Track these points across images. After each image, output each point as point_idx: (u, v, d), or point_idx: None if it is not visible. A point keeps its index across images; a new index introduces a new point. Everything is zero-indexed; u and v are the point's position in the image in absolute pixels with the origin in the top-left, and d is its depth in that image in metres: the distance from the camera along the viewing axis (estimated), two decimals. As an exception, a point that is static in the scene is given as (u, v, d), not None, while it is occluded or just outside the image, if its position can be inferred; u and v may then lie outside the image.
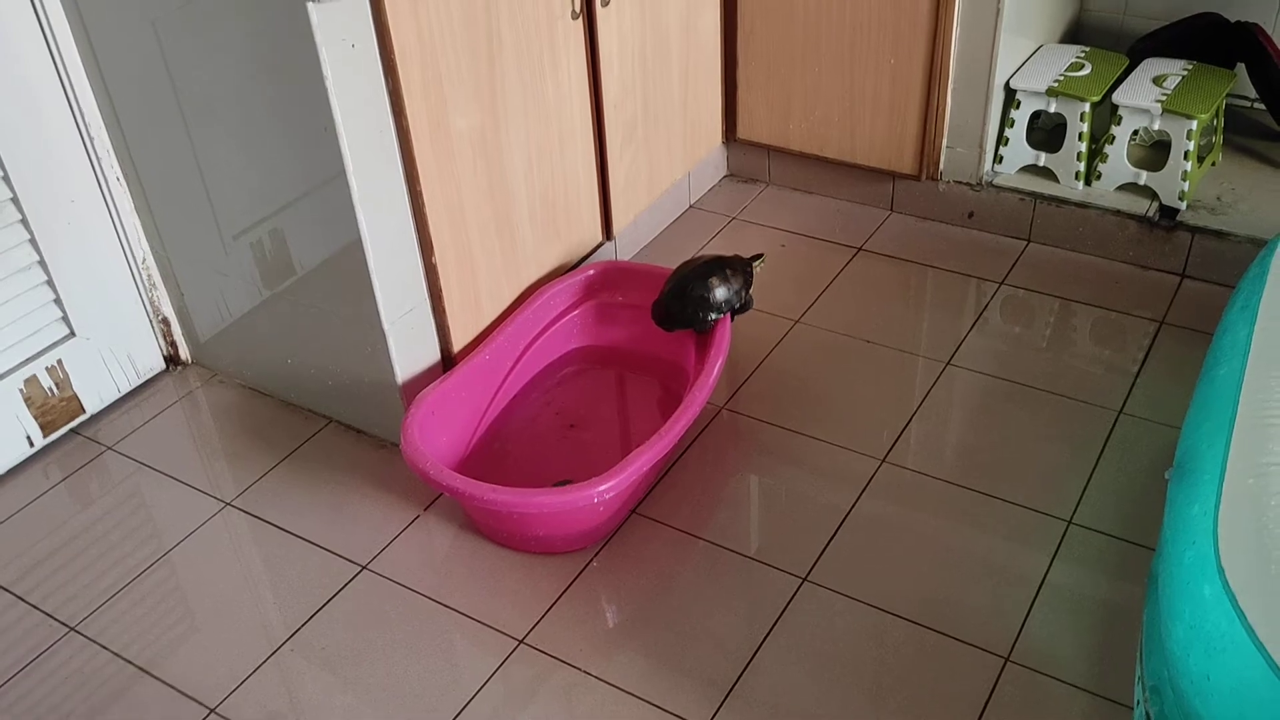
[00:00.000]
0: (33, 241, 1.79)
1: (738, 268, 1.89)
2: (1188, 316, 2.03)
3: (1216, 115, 2.25)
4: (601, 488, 1.56)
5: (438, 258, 1.76)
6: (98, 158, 1.81)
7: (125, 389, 1.98)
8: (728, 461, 1.84)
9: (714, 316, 1.83)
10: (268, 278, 1.84)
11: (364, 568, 1.68)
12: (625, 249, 2.29)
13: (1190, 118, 2.09)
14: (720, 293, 1.83)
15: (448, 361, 1.85)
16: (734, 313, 1.87)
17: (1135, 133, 2.22)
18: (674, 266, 1.93)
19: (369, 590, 1.64)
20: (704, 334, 1.86)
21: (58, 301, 1.85)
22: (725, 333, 1.84)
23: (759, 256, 1.97)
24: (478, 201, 1.82)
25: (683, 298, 1.83)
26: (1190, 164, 2.13)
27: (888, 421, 1.88)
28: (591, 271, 2.02)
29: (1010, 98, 2.27)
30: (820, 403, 1.93)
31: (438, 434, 1.73)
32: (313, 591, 1.64)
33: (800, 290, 2.21)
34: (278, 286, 1.84)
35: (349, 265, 1.69)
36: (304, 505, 1.78)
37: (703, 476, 1.81)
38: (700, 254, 2.04)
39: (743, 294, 1.88)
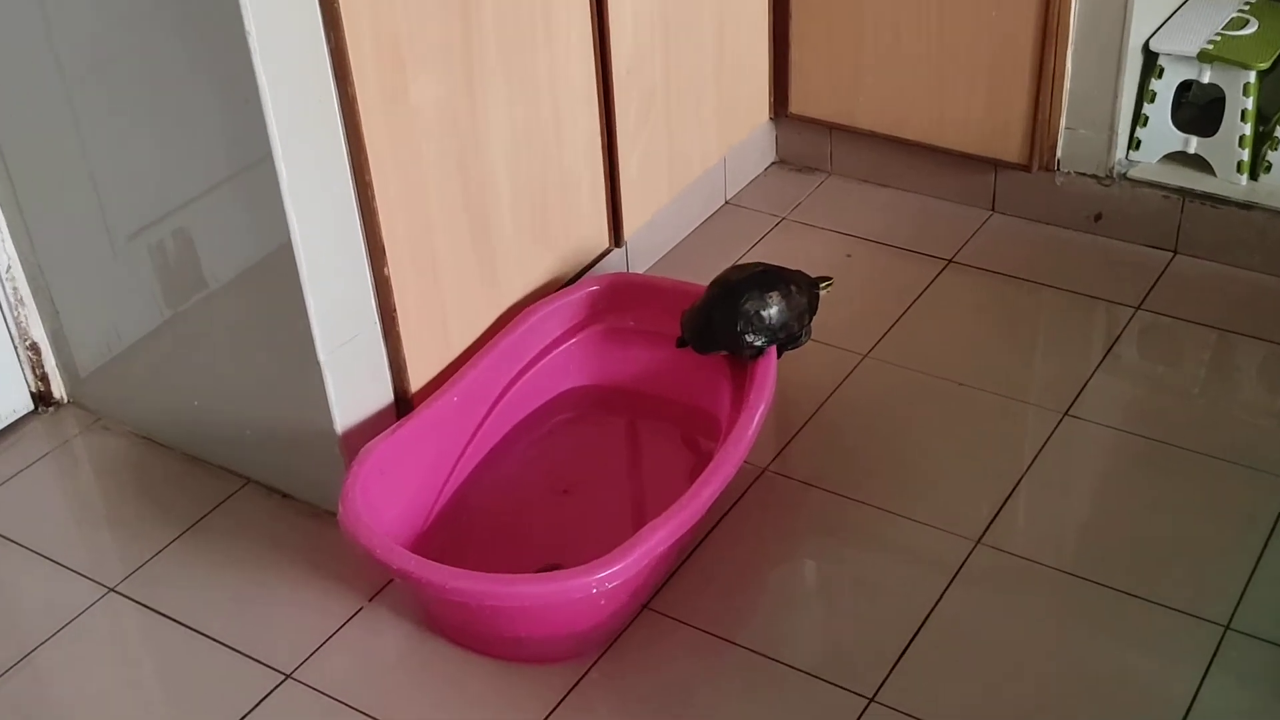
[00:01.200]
0: None
1: (804, 286, 1.90)
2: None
3: None
4: (603, 574, 1.56)
5: (392, 268, 1.77)
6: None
7: (-21, 436, 2.00)
8: (771, 541, 1.83)
9: (762, 342, 1.83)
10: (170, 293, 1.86)
11: (288, 677, 1.67)
12: (639, 258, 2.31)
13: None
14: (777, 312, 1.83)
15: (403, 405, 1.86)
16: (781, 346, 1.88)
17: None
18: (705, 282, 1.93)
19: (294, 708, 1.64)
20: (742, 367, 1.87)
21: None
22: (770, 369, 1.85)
23: (826, 280, 1.97)
24: (445, 195, 1.83)
25: (732, 308, 1.83)
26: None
27: (985, 490, 1.88)
28: (595, 288, 2.03)
29: (1150, 63, 2.28)
30: (895, 464, 1.93)
31: (388, 500, 1.73)
32: (220, 708, 1.64)
33: (870, 314, 2.21)
34: (183, 304, 1.85)
35: (275, 277, 1.69)
36: (211, 593, 1.79)
37: (738, 560, 1.80)
38: (751, 261, 2.03)
39: (803, 322, 1.89)
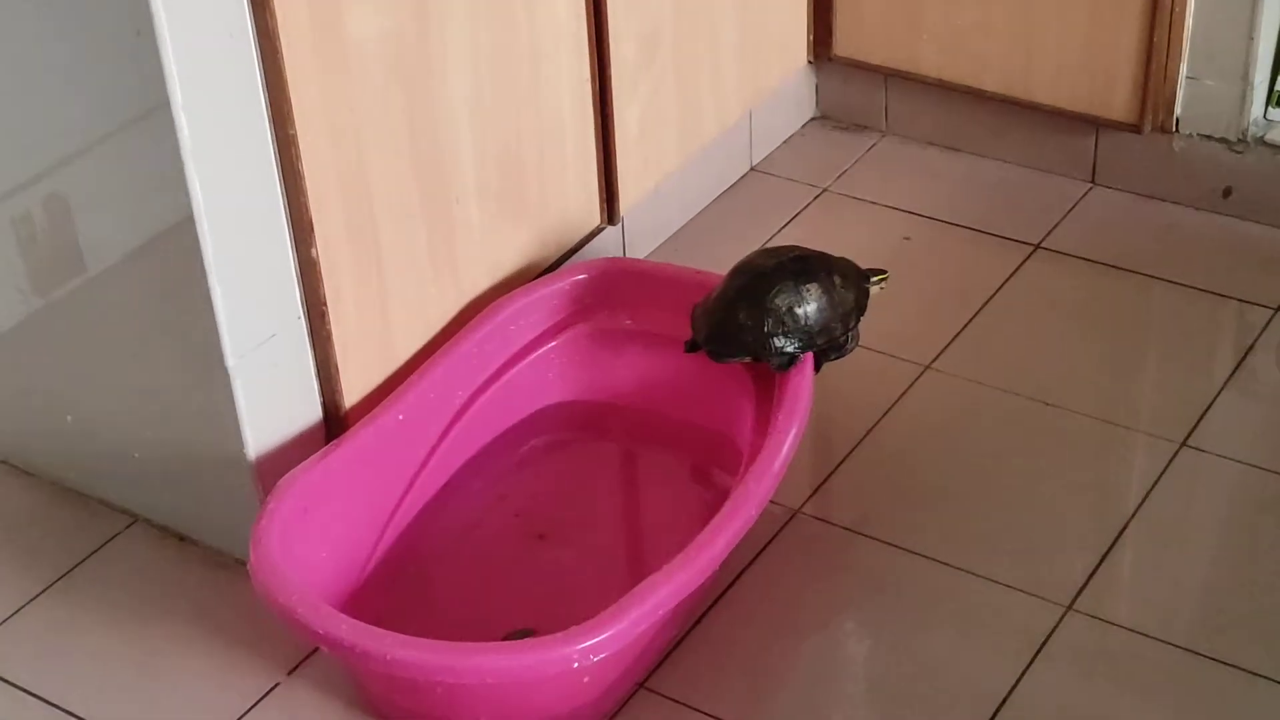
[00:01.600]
0: None
1: (851, 279, 1.90)
2: None
3: None
4: (588, 643, 1.55)
5: (321, 249, 1.76)
6: None
7: None
8: (804, 604, 1.82)
9: (796, 348, 1.82)
10: (38, 278, 1.85)
11: (182, 773, 1.67)
12: (639, 240, 2.30)
13: None
14: (816, 310, 1.83)
15: (334, 424, 1.86)
16: (821, 355, 1.87)
17: None
18: (724, 271, 1.92)
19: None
20: (769, 381, 1.87)
21: None
22: (805, 384, 1.84)
23: (880, 274, 1.96)
24: (390, 157, 1.83)
25: (758, 304, 1.83)
26: None
27: (1078, 542, 1.87)
28: (581, 277, 2.03)
29: (1296, -4, 2.27)
30: (964, 507, 1.92)
31: (314, 546, 1.72)
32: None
33: (934, 314, 2.20)
34: (54, 292, 1.85)
35: (172, 260, 1.68)
36: (85, 663, 1.78)
37: (761, 629, 1.79)
38: (783, 245, 2.03)
39: (849, 324, 1.88)
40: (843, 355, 1.91)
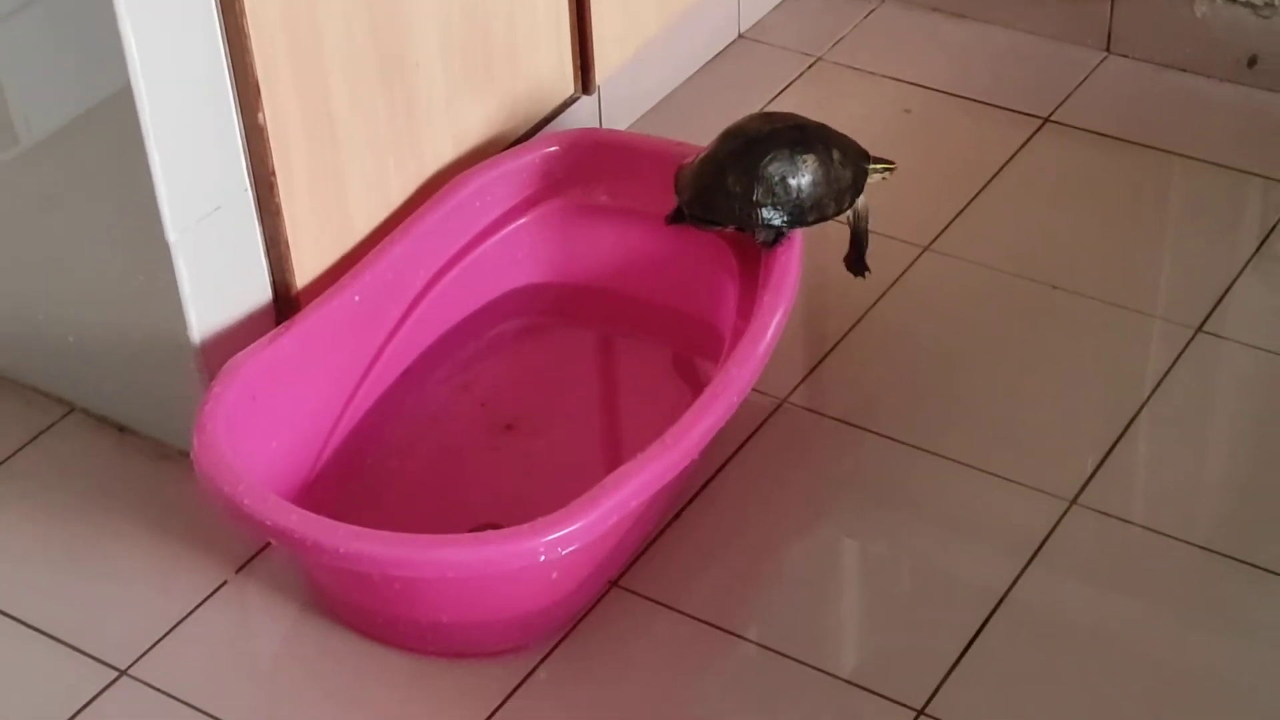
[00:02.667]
0: None
1: (851, 157, 1.89)
2: None
3: None
4: (555, 535, 1.56)
5: (268, 114, 1.75)
6: None
7: None
8: (790, 498, 1.84)
9: (783, 221, 1.82)
10: (-37, 150, 1.84)
11: (122, 673, 1.68)
12: (617, 110, 2.29)
13: None
14: (809, 183, 1.83)
15: (285, 305, 1.86)
16: (854, 244, 1.88)
17: None
18: (705, 142, 1.91)
19: (131, 716, 1.64)
20: (754, 259, 1.87)
21: None
22: (793, 263, 1.84)
23: (884, 163, 1.93)
24: (345, 15, 1.82)
25: (749, 168, 1.82)
26: None
27: (1085, 432, 1.88)
28: (554, 149, 2.02)
29: None
30: (963, 395, 1.93)
31: (263, 435, 1.73)
32: (34, 716, 1.64)
33: (935, 191, 2.21)
34: (-19, 165, 1.84)
35: (108, 128, 1.68)
36: (20, 562, 1.79)
37: (743, 525, 1.81)
38: (782, 112, 2.01)
39: (842, 204, 1.88)
40: (861, 250, 1.93)
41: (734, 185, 1.82)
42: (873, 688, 1.64)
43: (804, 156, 1.84)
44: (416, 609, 1.65)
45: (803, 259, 1.86)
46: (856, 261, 1.96)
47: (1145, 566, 1.74)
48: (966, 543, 1.78)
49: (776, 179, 1.82)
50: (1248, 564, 1.73)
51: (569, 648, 1.69)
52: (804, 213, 1.84)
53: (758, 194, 1.82)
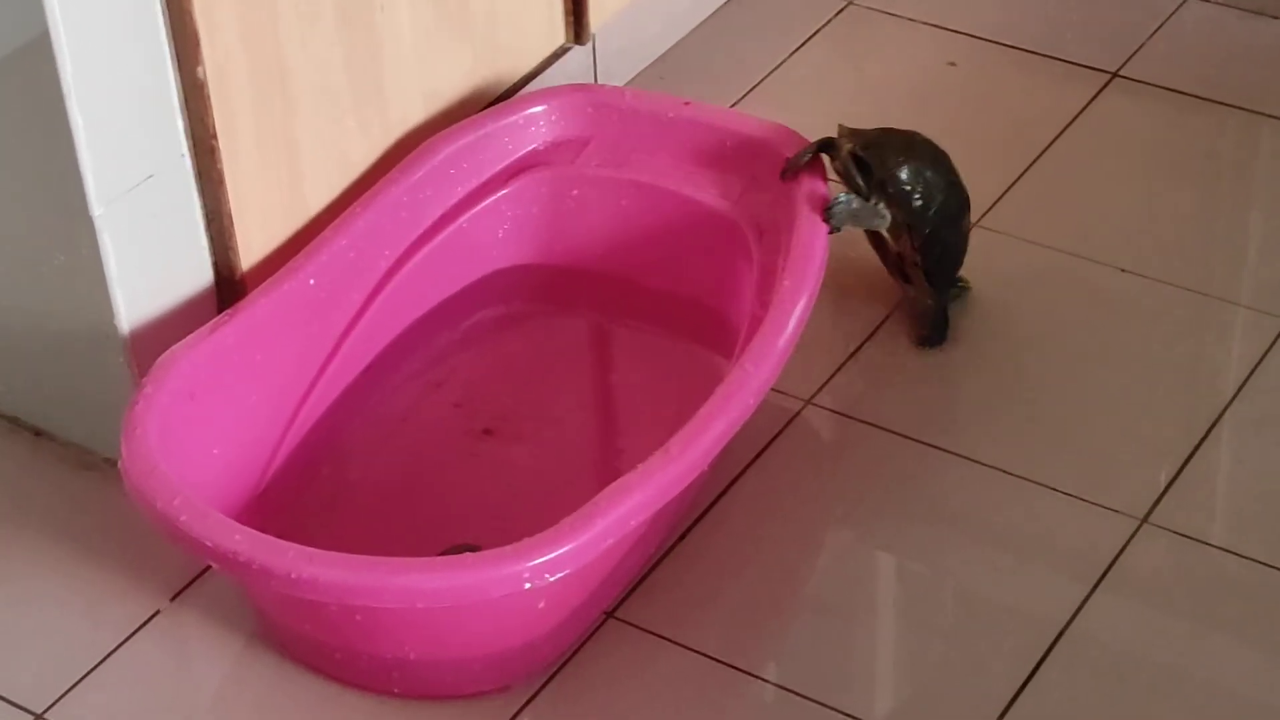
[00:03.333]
0: None
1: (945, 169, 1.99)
2: None
3: None
4: (542, 559, 1.55)
5: (209, 69, 1.75)
6: None
7: None
8: (812, 513, 1.84)
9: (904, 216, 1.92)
10: None
11: (38, 717, 1.68)
12: (614, 64, 2.29)
13: None
14: (936, 207, 1.96)
15: (229, 289, 1.86)
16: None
17: None
18: (723, 103, 1.90)
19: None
20: (774, 242, 1.90)
21: None
22: (818, 246, 1.86)
23: (964, 282, 2.03)
24: (298, -48, 1.80)
25: (922, 166, 1.95)
26: None
27: (1159, 440, 1.88)
28: (540, 108, 2.01)
29: None
30: (1015, 399, 1.92)
31: (203, 440, 1.73)
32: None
33: (983, 159, 2.18)
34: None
35: (21, 80, 1.68)
36: (-80, 586, 1.77)
37: (759, 546, 1.80)
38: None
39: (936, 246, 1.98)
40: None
41: (899, 169, 1.92)
42: (909, 735, 1.62)
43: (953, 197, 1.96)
44: (379, 644, 1.64)
45: (828, 242, 1.86)
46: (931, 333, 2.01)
47: (1226, 594, 1.74)
48: (1020, 566, 1.78)
49: (922, 186, 1.93)
50: (1347, 593, 1.72)
51: (557, 689, 1.68)
52: (912, 214, 1.93)
53: (905, 182, 1.92)
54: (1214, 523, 1.81)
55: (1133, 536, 1.78)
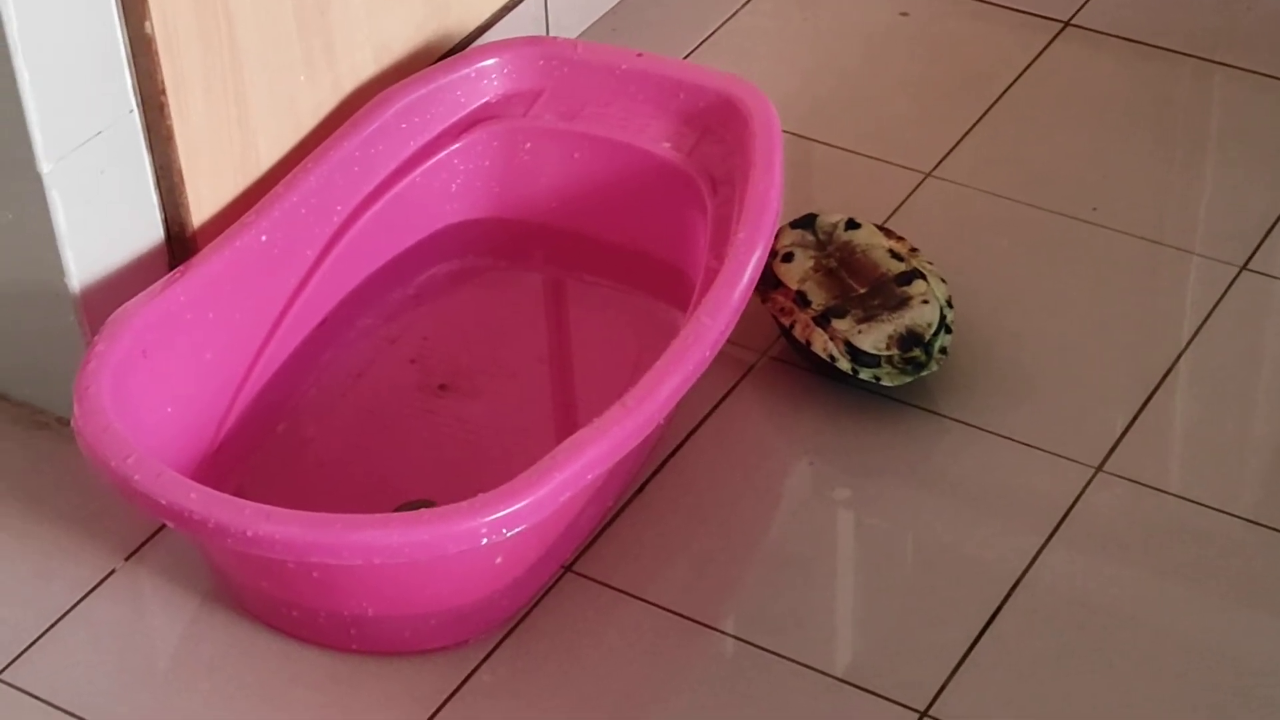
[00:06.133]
0: None
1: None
2: None
3: None
4: (499, 514, 1.56)
5: (156, 21, 1.74)
6: None
7: None
8: (770, 466, 1.85)
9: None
10: None
11: (-6, 679, 1.67)
12: (565, 17, 2.30)
13: None
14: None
15: (180, 246, 1.86)
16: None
17: None
18: (674, 54, 1.90)
19: (3, 727, 1.64)
20: (730, 193, 1.89)
21: None
22: (773, 193, 1.86)
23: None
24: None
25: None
26: None
27: (1111, 386, 1.89)
28: (492, 60, 2.02)
29: None
30: (971, 347, 1.93)
31: (156, 398, 1.73)
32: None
33: (936, 109, 2.20)
34: None
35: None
36: None
37: (717, 500, 1.81)
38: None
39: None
40: None
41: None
42: (869, 687, 1.64)
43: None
44: (337, 600, 1.65)
45: (783, 189, 1.85)
46: None
47: (1181, 541, 1.75)
48: (977, 516, 1.78)
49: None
50: (1297, 539, 1.73)
51: (516, 644, 1.69)
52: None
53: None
54: (1169, 470, 1.82)
55: (1088, 485, 1.79)
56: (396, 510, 1.67)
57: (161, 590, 1.74)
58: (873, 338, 1.84)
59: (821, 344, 1.85)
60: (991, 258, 2.03)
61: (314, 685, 1.66)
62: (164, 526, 1.75)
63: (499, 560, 1.64)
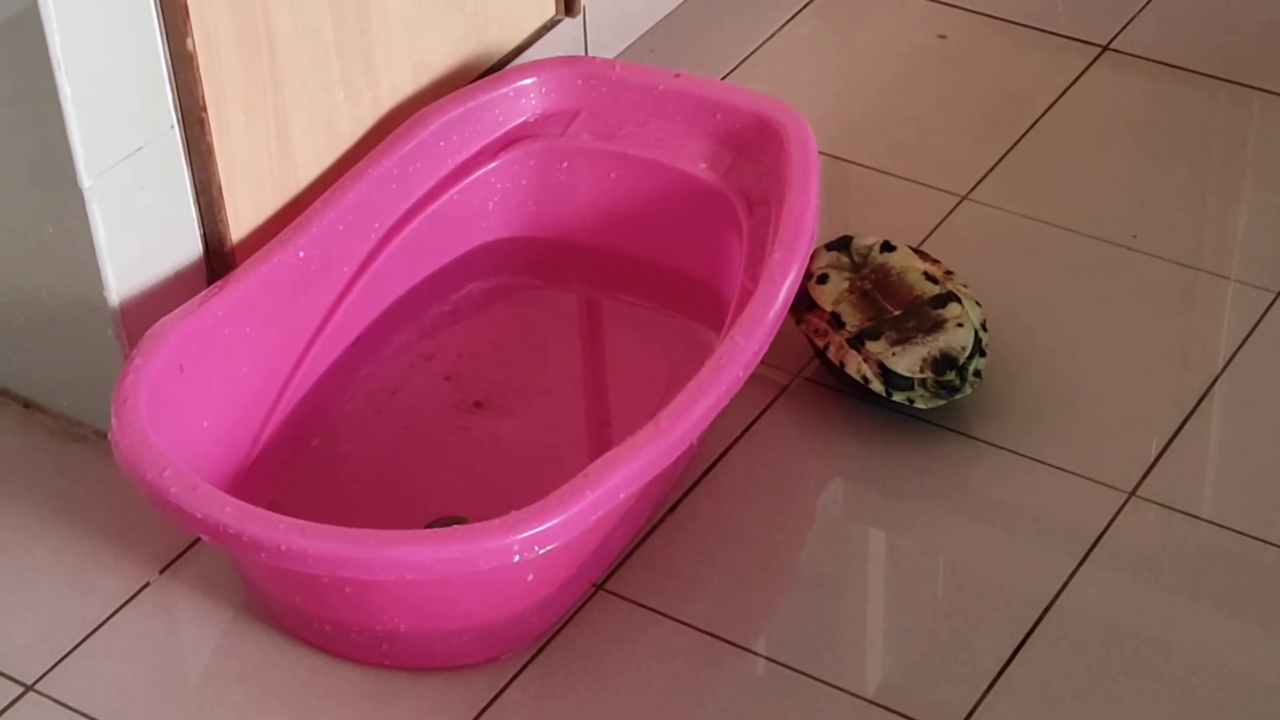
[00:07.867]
0: None
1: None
2: None
3: None
4: (531, 531, 1.56)
5: (199, 39, 1.75)
6: None
7: None
8: (804, 487, 1.85)
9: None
10: None
11: (29, 688, 1.68)
12: (605, 36, 2.30)
13: None
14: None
15: (219, 261, 1.86)
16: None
17: None
18: (714, 75, 1.89)
19: (37, 737, 1.65)
20: (765, 214, 1.89)
21: None
22: (809, 215, 1.85)
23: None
24: (287, -80, 1.82)
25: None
26: None
27: (1147, 413, 1.89)
28: (530, 80, 2.03)
29: None
30: (1007, 371, 1.93)
31: (193, 412, 1.73)
32: (-79, 737, 1.66)
33: (973, 132, 2.21)
34: None
35: (10, 52, 1.68)
36: (-93, 559, 1.79)
37: (751, 520, 1.81)
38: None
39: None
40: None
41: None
42: (900, 709, 1.64)
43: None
44: (370, 615, 1.65)
45: (819, 210, 1.86)
46: None
47: (1213, 566, 1.75)
48: (1009, 539, 1.79)
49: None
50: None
51: (546, 661, 1.69)
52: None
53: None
54: (1202, 496, 1.81)
55: (1121, 509, 1.79)
56: (429, 526, 1.68)
57: (195, 603, 1.75)
58: (907, 360, 1.84)
59: (855, 366, 1.85)
60: (1026, 281, 2.03)
61: (345, 700, 1.67)
62: (199, 540, 1.75)
63: (531, 578, 1.64)
